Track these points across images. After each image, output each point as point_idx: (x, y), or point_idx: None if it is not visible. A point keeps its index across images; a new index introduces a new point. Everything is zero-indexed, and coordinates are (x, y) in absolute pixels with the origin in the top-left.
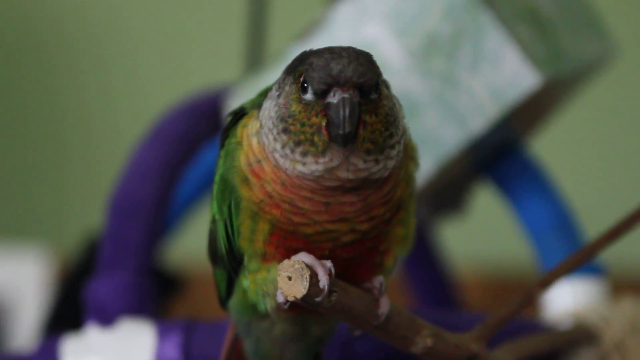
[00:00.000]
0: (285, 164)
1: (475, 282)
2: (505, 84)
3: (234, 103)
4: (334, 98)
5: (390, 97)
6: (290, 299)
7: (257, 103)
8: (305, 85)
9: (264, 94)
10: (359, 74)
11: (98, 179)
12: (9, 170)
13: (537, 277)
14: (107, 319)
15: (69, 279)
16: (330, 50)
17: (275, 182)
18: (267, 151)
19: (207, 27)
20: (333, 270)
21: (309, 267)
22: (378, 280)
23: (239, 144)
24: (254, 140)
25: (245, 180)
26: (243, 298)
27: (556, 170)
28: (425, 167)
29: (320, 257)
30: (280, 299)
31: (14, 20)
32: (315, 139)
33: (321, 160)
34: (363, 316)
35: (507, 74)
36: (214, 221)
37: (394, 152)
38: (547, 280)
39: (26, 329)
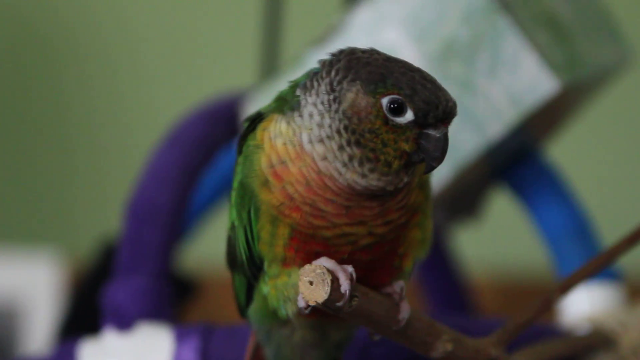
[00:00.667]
0: (347, 174)
1: (490, 287)
2: (523, 90)
3: (251, 108)
4: (436, 132)
5: None
6: (312, 303)
7: (276, 107)
8: (396, 106)
9: (280, 99)
10: (455, 110)
11: (110, 183)
12: (20, 174)
13: (554, 282)
14: (125, 323)
15: (84, 284)
16: (422, 76)
17: (299, 183)
18: (312, 156)
19: (222, 31)
20: (354, 275)
21: (330, 272)
22: (399, 285)
23: (259, 147)
24: (279, 142)
25: (265, 184)
26: (263, 305)
27: (573, 176)
28: (443, 173)
29: (339, 260)
30: (302, 303)
31: (22, 23)
32: (395, 162)
33: (384, 178)
34: (383, 321)
35: (525, 79)
36: (233, 228)
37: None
38: (566, 286)
39: (39, 334)
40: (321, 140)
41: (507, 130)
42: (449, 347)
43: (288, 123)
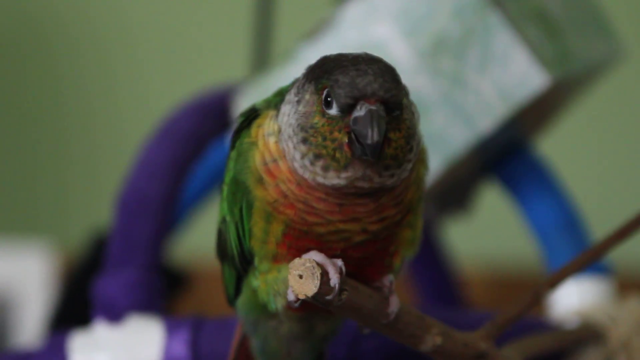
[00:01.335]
0: (305, 174)
1: (480, 281)
2: (513, 84)
3: (242, 102)
4: (360, 111)
5: (410, 106)
6: (301, 297)
7: (274, 102)
8: (330, 99)
9: (281, 94)
10: (385, 89)
11: (102, 175)
12: (12, 166)
13: (543, 276)
14: (115, 316)
15: (75, 276)
16: (356, 66)
17: (290, 181)
18: (287, 157)
19: (214, 25)
20: (344, 269)
21: (320, 266)
22: (388, 279)
23: (253, 143)
24: (271, 140)
25: (260, 180)
26: (252, 297)
27: (563, 170)
28: (433, 167)
29: (331, 256)
30: (291, 297)
31: (16, 18)
32: (337, 155)
33: (343, 175)
34: (373, 315)
35: (515, 74)
36: (223, 221)
37: (409, 166)
38: (555, 280)
39: (30, 325)
40: (286, 140)
41: (497, 124)
42: (438, 340)
43: (276, 121)
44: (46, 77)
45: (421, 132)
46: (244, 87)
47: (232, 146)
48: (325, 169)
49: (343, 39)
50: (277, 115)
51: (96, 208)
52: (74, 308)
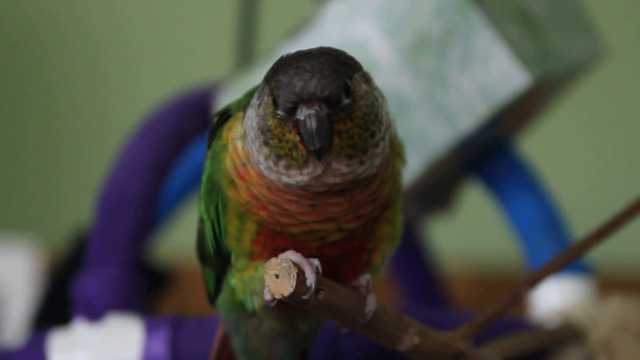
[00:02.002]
0: (271, 175)
1: (463, 279)
2: (494, 84)
3: (224, 100)
4: (300, 115)
5: (370, 92)
6: (278, 297)
7: (243, 104)
8: (276, 101)
9: (251, 95)
10: (322, 88)
11: (88, 173)
12: None
13: (525, 275)
14: (95, 314)
15: (57, 274)
16: (297, 64)
17: (260, 185)
18: (252, 161)
19: (198, 24)
20: (320, 269)
21: (296, 265)
22: (365, 278)
23: (225, 146)
24: (239, 144)
25: (232, 183)
26: (231, 296)
27: (545, 169)
28: (414, 166)
29: (307, 255)
30: (268, 297)
31: (6, 16)
32: (294, 153)
33: (305, 171)
34: (350, 314)
35: (496, 73)
36: (201, 220)
37: (378, 150)
38: (534, 279)
39: (14, 323)
40: (249, 144)
41: (479, 123)
42: (416, 340)
43: (242, 124)
44: (34, 74)
45: (395, 121)
46: (226, 85)
47: (209, 145)
48: (288, 167)
49: (324, 37)
50: (243, 118)
51: (83, 206)
52: (56, 306)
